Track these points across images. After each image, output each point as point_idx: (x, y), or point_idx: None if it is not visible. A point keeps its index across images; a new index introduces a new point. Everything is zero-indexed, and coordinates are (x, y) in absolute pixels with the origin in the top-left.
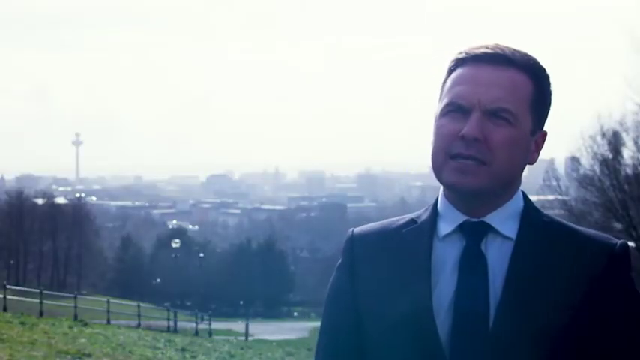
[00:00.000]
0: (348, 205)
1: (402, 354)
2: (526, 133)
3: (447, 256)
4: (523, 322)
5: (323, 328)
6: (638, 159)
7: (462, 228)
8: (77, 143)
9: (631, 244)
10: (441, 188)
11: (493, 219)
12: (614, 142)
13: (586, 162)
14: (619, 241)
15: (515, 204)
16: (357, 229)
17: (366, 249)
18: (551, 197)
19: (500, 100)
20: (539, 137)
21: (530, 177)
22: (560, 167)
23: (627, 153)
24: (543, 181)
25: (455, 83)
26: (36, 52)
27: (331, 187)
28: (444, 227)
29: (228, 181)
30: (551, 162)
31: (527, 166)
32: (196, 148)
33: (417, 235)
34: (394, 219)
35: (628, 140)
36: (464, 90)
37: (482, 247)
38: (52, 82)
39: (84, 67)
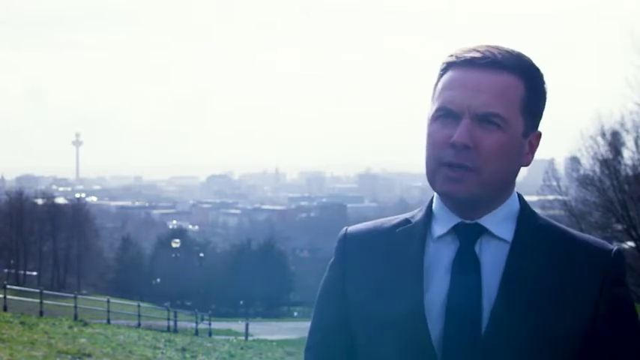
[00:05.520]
0: (348, 205)
1: (393, 356)
2: (518, 136)
3: (440, 257)
4: (517, 324)
5: (313, 328)
6: (638, 159)
7: (455, 230)
8: (77, 143)
9: (631, 244)
10: None
11: (487, 221)
12: (614, 142)
13: (586, 162)
14: (614, 248)
15: (511, 206)
16: (351, 228)
17: (358, 248)
18: (551, 197)
19: (489, 105)
20: (533, 138)
21: (530, 177)
22: (560, 167)
23: (627, 153)
24: (543, 181)
25: (445, 87)
26: (35, 52)
27: (331, 187)
28: (438, 228)
29: (228, 181)
30: (551, 162)
31: (528, 167)
32: (196, 148)
33: (410, 236)
34: (388, 218)
35: (628, 140)
36: (453, 95)
37: (477, 249)
38: (51, 82)
39: (83, 67)
